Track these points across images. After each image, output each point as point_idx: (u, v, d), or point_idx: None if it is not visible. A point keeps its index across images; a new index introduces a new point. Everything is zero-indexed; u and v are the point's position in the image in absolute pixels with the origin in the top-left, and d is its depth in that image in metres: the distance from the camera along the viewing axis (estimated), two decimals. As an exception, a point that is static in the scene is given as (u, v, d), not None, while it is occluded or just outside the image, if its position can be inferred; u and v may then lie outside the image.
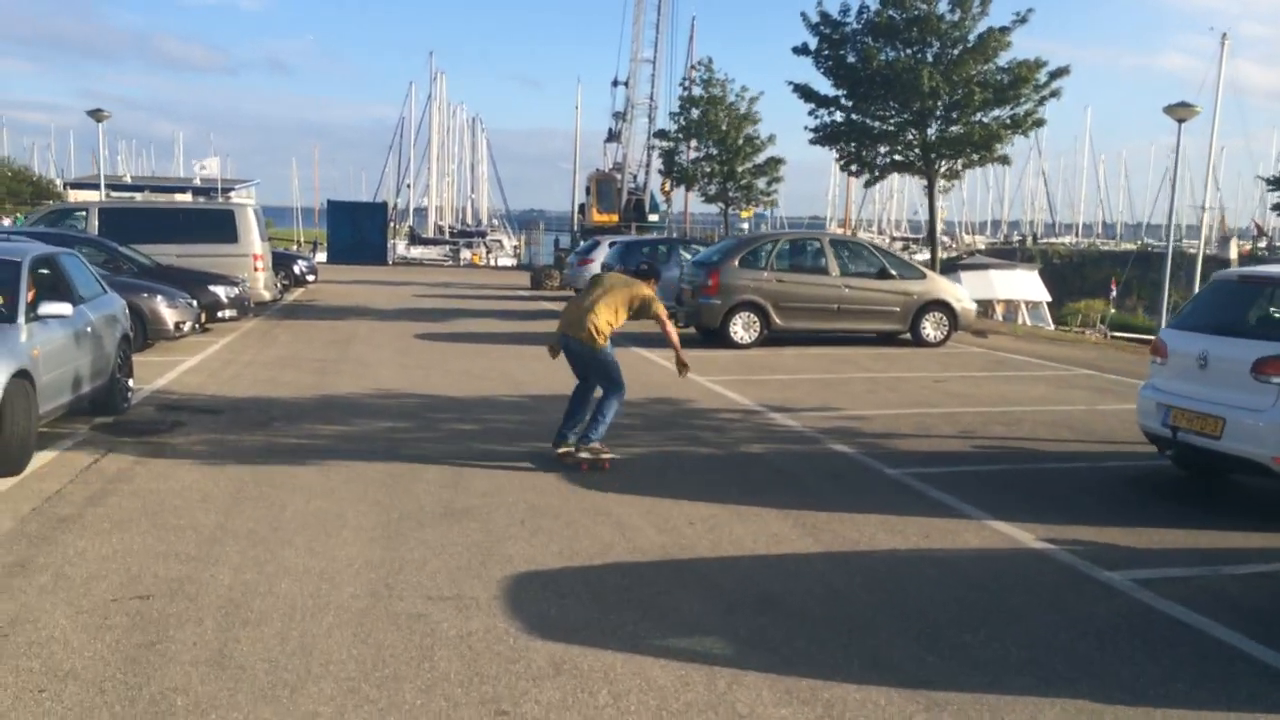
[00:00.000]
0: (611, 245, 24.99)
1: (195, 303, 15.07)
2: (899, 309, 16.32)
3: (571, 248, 48.39)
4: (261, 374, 12.66)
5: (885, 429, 9.74)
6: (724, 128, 30.06)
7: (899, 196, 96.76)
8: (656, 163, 47.83)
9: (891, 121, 20.00)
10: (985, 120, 19.35)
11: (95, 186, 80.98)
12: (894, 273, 16.37)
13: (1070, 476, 7.96)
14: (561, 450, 8.09)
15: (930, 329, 16.47)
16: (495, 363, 14.11)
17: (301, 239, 68.07)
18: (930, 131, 19.64)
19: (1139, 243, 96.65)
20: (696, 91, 30.73)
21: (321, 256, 47.14)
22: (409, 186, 70.58)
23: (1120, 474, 8.15)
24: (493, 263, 53.63)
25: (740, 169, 30.14)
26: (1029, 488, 7.56)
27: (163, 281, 15.57)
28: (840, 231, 66.78)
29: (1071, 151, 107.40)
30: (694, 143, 31.28)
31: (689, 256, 21.78)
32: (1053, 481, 7.78)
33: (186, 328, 14.47)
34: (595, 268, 25.35)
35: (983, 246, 76.37)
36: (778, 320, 16.00)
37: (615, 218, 47.94)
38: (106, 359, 9.32)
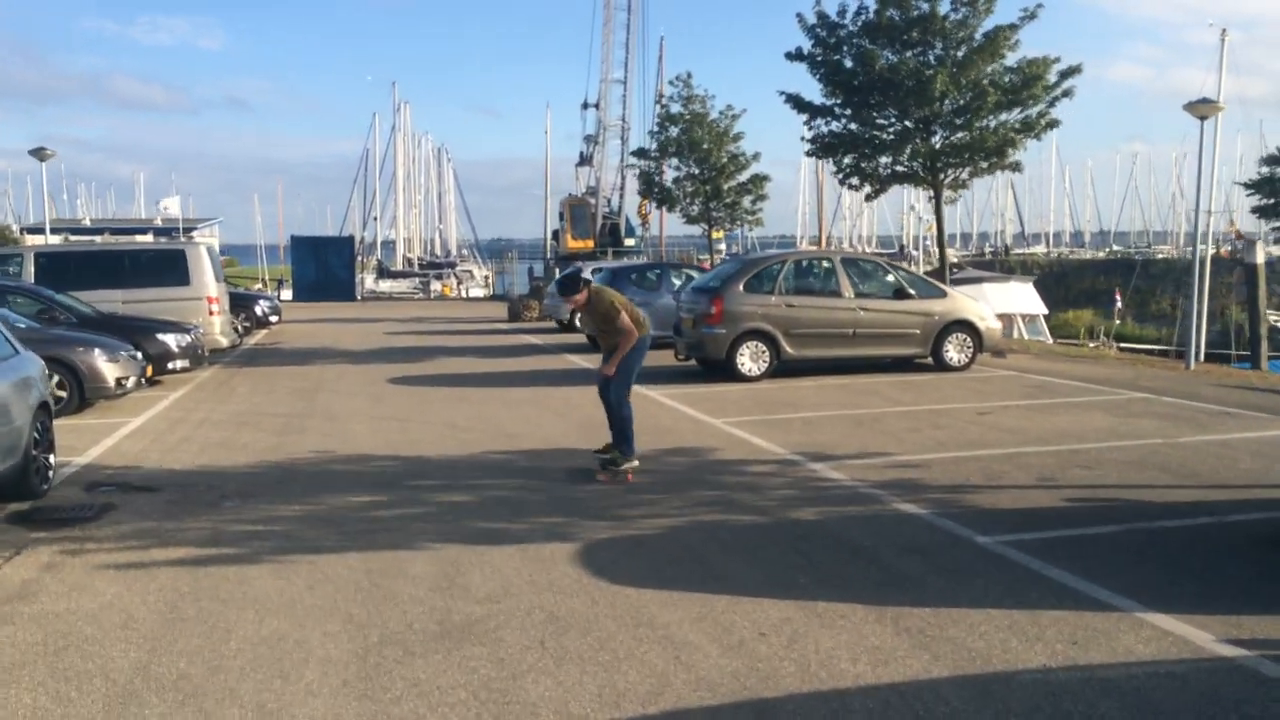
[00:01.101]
0: (595, 273, 23.48)
1: (140, 354, 13.46)
2: (919, 331, 14.92)
3: (546, 276, 46.98)
4: (214, 436, 11.05)
5: (949, 479, 8.27)
6: (706, 146, 28.73)
7: (869, 213, 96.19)
8: (632, 185, 46.64)
9: (893, 130, 18.67)
10: (994, 125, 18.07)
11: (55, 231, 78.98)
12: (912, 292, 14.98)
13: (1201, 539, 6.51)
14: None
15: (954, 352, 15.08)
16: (481, 410, 12.56)
17: (266, 277, 66.14)
18: (935, 139, 18.33)
19: (1107, 250, 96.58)
20: (675, 109, 29.39)
21: (287, 294, 45.48)
22: (375, 219, 68.96)
23: (1258, 533, 6.71)
24: (464, 294, 52.07)
25: (725, 187, 28.80)
26: (1161, 558, 6.10)
27: (104, 332, 13.98)
28: (813, 250, 65.74)
29: (1037, 162, 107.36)
30: (674, 162, 29.91)
31: (678, 282, 20.35)
32: (1184, 547, 6.32)
33: (130, 383, 12.87)
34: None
35: (955, 260, 75.52)
36: (789, 349, 14.56)
37: (591, 243, 46.61)
38: (17, 434, 7.70)
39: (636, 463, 8.63)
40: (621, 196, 48.96)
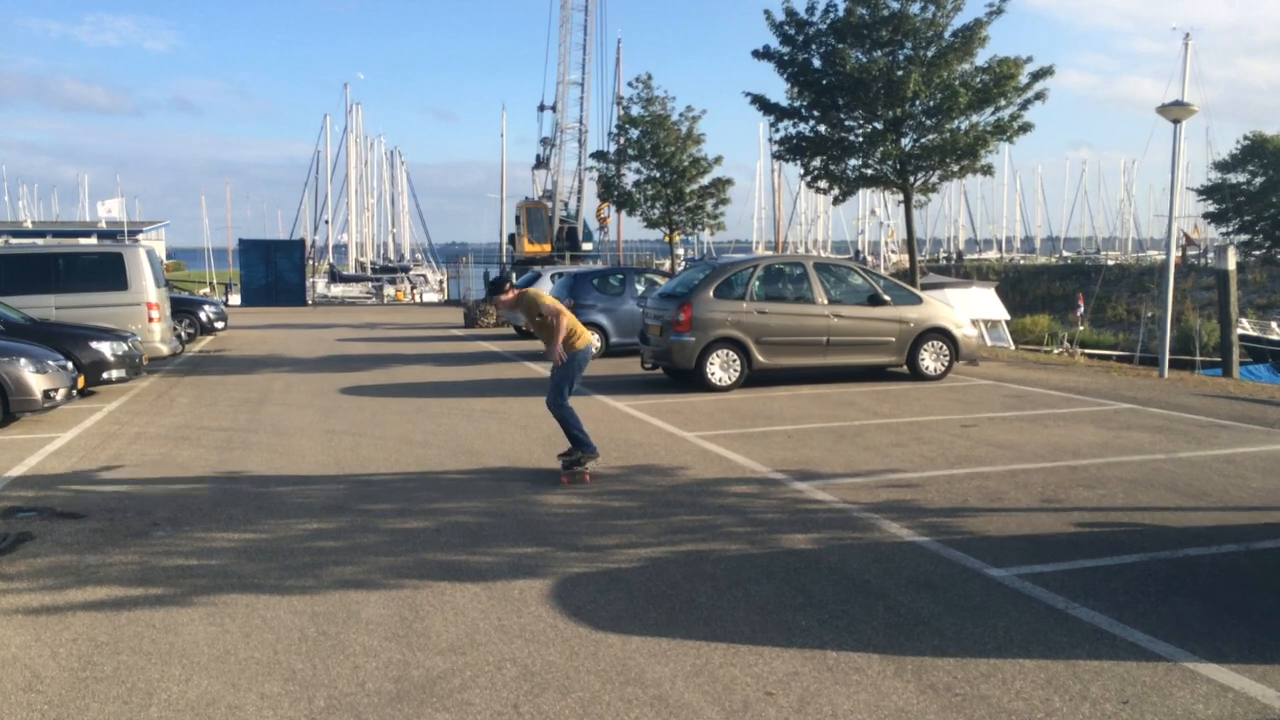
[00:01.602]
0: (557, 277, 22.80)
1: (70, 365, 12.56)
2: (894, 339, 14.42)
3: (501, 281, 46.06)
4: (150, 452, 10.22)
5: (946, 500, 7.72)
6: (668, 149, 28.11)
7: (825, 219, 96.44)
8: (590, 188, 45.91)
9: (862, 131, 18.19)
10: (964, 127, 17.66)
11: (-6, 233, 76.69)
12: (887, 298, 14.47)
13: (1232, 570, 5.98)
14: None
15: (929, 360, 14.61)
16: (439, 423, 11.83)
17: (215, 280, 64.59)
18: (906, 141, 17.89)
19: (1056, 256, 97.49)
20: (635, 110, 28.72)
21: (236, 299, 44.19)
22: (327, 223, 67.68)
23: (1284, 558, 6.21)
24: (418, 299, 51.05)
25: (688, 191, 28.20)
26: (1195, 593, 5.56)
27: (33, 340, 13.06)
28: (784, 255, 65.59)
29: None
30: (635, 165, 29.24)
31: (642, 288, 19.74)
32: (1216, 580, 5.80)
33: (59, 395, 11.97)
34: (538, 302, 23.14)
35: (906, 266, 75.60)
36: (760, 358, 13.99)
37: (548, 247, 45.73)
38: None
39: (597, 457, 9.01)
40: (579, 200, 48.11)
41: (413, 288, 54.76)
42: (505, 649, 4.93)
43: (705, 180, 28.81)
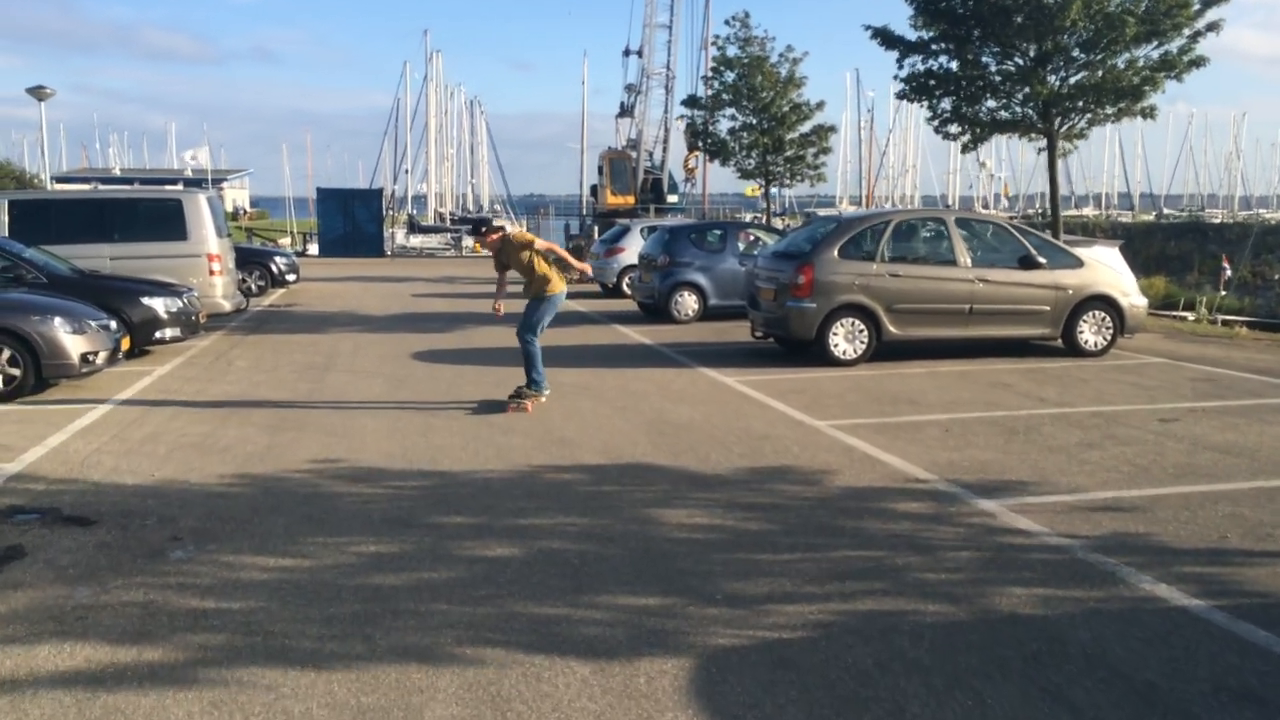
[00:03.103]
0: (648, 232, 20.98)
1: (114, 324, 11.19)
2: (1049, 308, 12.36)
3: (582, 232, 44.34)
4: (191, 431, 8.76)
5: (1196, 536, 5.81)
6: (765, 93, 25.98)
7: (912, 173, 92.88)
8: (676, 138, 43.85)
9: (1001, 69, 15.94)
10: (1122, 64, 15.32)
11: (84, 180, 77.39)
12: (1041, 260, 12.38)
13: None
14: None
15: (1089, 333, 12.53)
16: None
17: (295, 230, 64.09)
18: (1054, 79, 15.60)
19: (1154, 214, 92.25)
20: (732, 52, 26.57)
21: (314, 249, 43.29)
22: (407, 172, 66.49)
23: None
24: (498, 251, 49.59)
25: (787, 139, 26.08)
26: None
27: (79, 295, 11.75)
28: (919, 209, 62.90)
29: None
30: (729, 111, 27.16)
31: (744, 245, 17.84)
32: None
33: (100, 359, 10.62)
34: (627, 258, 21.43)
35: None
36: (891, 328, 12.07)
37: (631, 199, 43.83)
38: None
39: (546, 395, 9.84)
40: (665, 150, 46.05)
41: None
42: (637, 801, 3.24)
43: (805, 128, 26.71)
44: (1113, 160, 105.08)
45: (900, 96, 16.97)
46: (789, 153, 26.45)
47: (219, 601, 4.96)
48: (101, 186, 57.79)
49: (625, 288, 21.30)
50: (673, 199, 45.80)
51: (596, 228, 39.25)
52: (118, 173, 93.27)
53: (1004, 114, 16.41)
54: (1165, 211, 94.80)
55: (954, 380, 11.09)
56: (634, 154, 44.99)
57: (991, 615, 4.71)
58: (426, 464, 7.67)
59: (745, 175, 28.38)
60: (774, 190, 37.71)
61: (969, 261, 12.22)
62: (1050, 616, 4.68)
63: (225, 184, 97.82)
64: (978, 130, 16.61)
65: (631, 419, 9.26)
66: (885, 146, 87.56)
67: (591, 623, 4.66)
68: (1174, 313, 31.50)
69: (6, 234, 14.31)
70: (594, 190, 48.63)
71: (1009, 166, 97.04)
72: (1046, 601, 4.86)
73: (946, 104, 16.66)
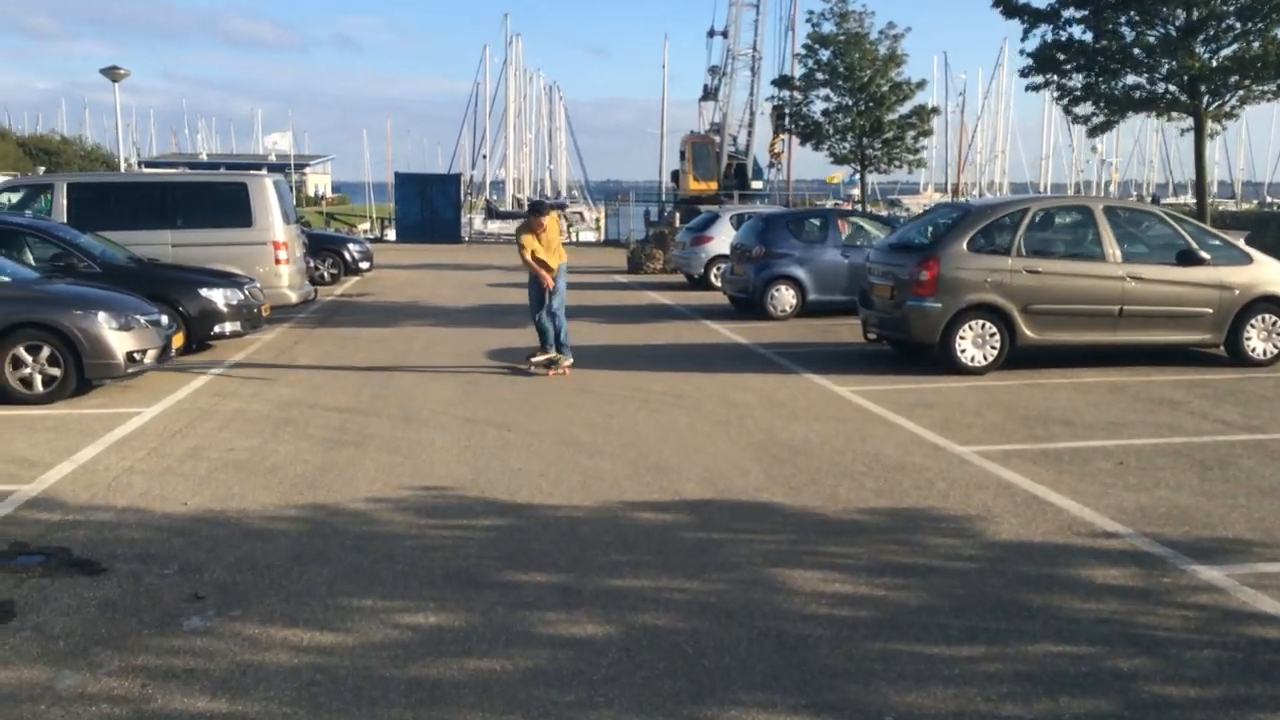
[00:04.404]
0: (739, 220, 19.61)
1: (165, 318, 10.25)
2: (1212, 310, 10.75)
3: (663, 220, 42.94)
4: (239, 445, 7.73)
5: None
6: (863, 72, 24.39)
7: (1002, 158, 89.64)
8: (762, 122, 42.23)
9: (1143, 40, 14.23)
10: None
11: (170, 165, 78.48)
12: (1204, 255, 10.77)
13: None
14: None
15: (1257, 340, 10.91)
16: (608, 411, 8.98)
17: (374, 215, 63.98)
18: (1203, 51, 13.87)
19: (1257, 202, 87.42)
20: (827, 28, 25.03)
21: (391, 234, 42.71)
22: (485, 158, 65.80)
23: None
24: (574, 237, 48.51)
25: (886, 121, 24.48)
26: None
27: (131, 285, 10.85)
28: (940, 199, 60.31)
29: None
30: (824, 91, 25.62)
31: (847, 234, 16.39)
32: None
33: (148, 358, 9.69)
34: (716, 247, 20.08)
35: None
36: (1028, 331, 10.58)
37: (714, 185, 42.26)
38: None
39: (570, 361, 11.07)
40: (750, 134, 44.39)
41: (569, 225, 52.36)
42: None
43: (905, 109, 25.07)
44: (1214, 146, 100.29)
45: (1023, 74, 15.32)
46: (888, 135, 24.82)
47: (232, 702, 3.82)
48: (188, 170, 58.17)
49: (713, 280, 19.95)
50: (757, 185, 44.13)
51: (677, 214, 37.91)
52: (204, 157, 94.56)
53: (1141, 91, 14.67)
54: (1269, 200, 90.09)
55: (1107, 395, 9.58)
56: (717, 138, 43.44)
57: (1285, 768, 3.34)
58: (502, 493, 6.49)
59: (838, 160, 26.85)
60: (854, 177, 35.89)
61: (1119, 256, 10.66)
62: (1375, 776, 3.30)
63: (308, 169, 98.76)
64: (1113, 109, 14.90)
65: (736, 439, 7.97)
66: (974, 132, 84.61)
67: (720, 760, 3.40)
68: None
69: (65, 219, 13.55)
70: (675, 176, 47.17)
71: (1106, 152, 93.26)
72: (1357, 746, 3.48)
73: (1078, 80, 14.98)
